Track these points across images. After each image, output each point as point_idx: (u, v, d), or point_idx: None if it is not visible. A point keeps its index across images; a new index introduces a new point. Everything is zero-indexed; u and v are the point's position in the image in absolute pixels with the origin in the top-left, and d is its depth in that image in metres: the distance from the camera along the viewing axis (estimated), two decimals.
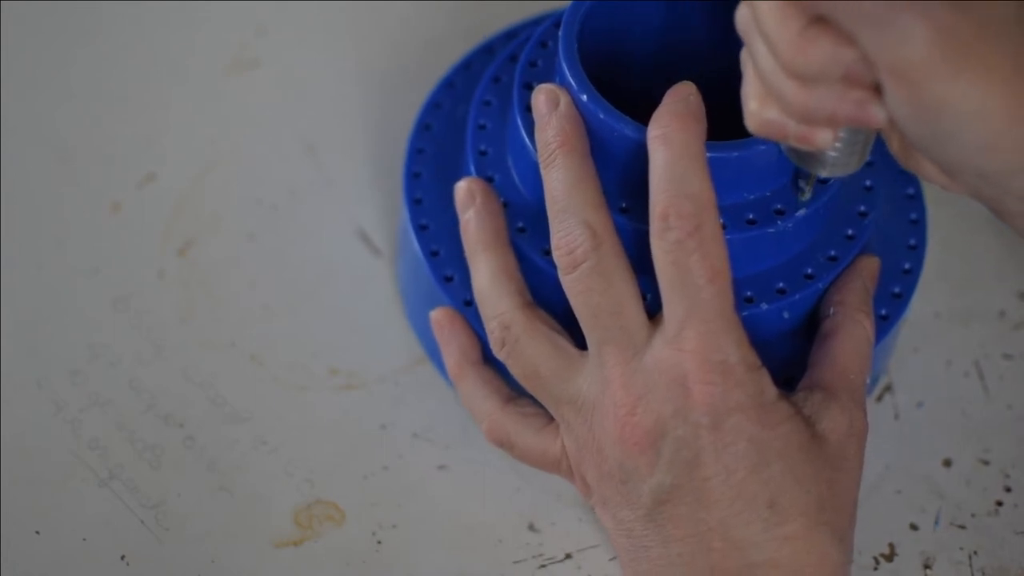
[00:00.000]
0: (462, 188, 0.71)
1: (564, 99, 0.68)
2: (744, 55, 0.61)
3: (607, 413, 0.66)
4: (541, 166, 0.68)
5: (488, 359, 0.72)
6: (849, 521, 0.66)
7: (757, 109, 0.61)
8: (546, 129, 0.67)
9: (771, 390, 0.65)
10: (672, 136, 0.64)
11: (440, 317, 0.72)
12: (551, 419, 0.70)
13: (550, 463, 0.70)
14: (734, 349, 0.64)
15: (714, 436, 0.64)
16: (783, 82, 0.58)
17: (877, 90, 0.57)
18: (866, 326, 0.69)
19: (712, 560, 0.65)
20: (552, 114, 0.67)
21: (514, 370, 0.69)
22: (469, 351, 0.72)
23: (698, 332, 0.64)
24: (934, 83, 0.55)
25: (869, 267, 0.71)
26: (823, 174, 0.65)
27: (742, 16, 0.59)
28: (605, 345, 0.66)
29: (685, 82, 0.66)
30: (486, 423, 0.71)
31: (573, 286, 0.66)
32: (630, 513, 0.66)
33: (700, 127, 0.65)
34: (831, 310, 0.70)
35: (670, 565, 0.65)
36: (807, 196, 0.68)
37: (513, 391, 0.71)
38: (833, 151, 0.64)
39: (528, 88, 0.71)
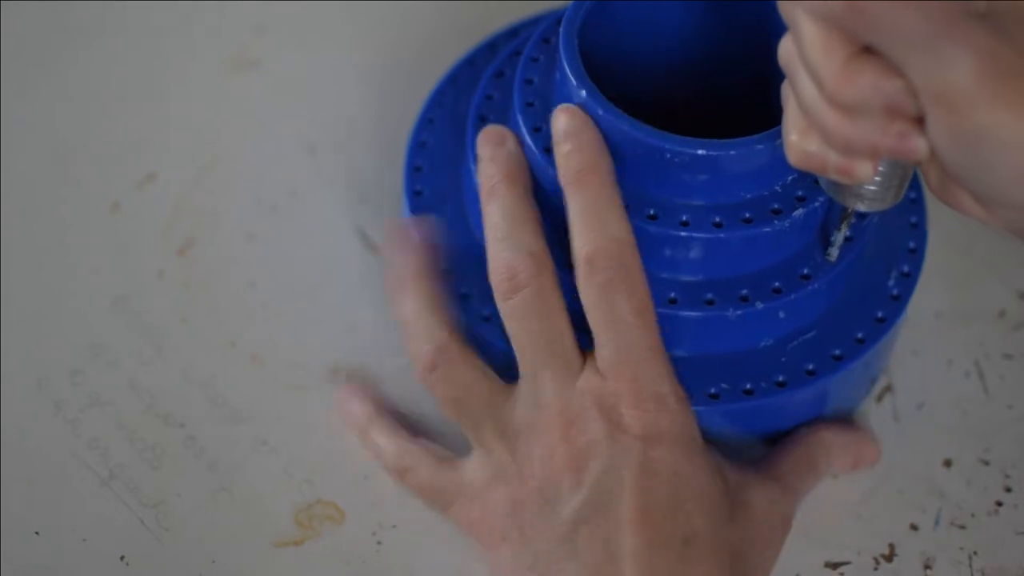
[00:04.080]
0: (393, 231, 0.72)
1: (511, 140, 0.69)
2: (785, 88, 0.61)
3: (538, 437, 0.66)
4: (482, 200, 0.69)
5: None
6: None
7: (798, 141, 0.61)
8: (490, 164, 0.69)
9: (698, 433, 0.66)
10: (586, 181, 0.66)
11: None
12: (451, 457, 0.70)
13: (443, 490, 0.70)
14: (664, 381, 0.66)
15: (641, 462, 0.65)
16: (826, 113, 0.58)
17: (918, 123, 0.57)
18: (821, 465, 0.71)
19: None
20: (497, 150, 0.69)
21: (442, 393, 0.69)
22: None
23: (630, 363, 0.65)
24: (976, 111, 0.55)
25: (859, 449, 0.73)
26: (860, 208, 0.65)
27: (785, 49, 0.59)
28: (543, 370, 0.67)
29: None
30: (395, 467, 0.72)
31: (513, 312, 0.67)
32: (545, 539, 0.65)
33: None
34: (804, 431, 0.72)
35: None
36: (839, 245, 0.69)
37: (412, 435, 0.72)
38: (872, 184, 0.64)
39: (529, 84, 0.71)
